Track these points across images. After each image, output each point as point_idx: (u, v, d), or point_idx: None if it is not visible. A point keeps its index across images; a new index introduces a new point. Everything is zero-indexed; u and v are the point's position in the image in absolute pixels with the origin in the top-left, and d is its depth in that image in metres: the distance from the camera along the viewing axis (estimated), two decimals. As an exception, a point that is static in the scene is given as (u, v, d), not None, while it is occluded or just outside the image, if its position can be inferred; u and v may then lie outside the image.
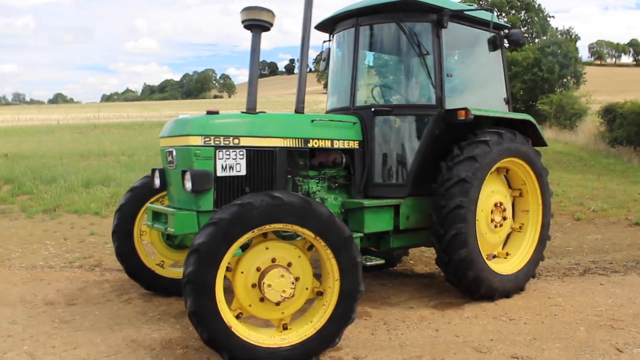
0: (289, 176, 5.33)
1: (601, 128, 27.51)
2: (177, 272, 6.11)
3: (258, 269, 4.23)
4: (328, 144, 5.57)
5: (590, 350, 4.71)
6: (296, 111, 5.51)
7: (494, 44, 6.58)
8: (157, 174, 5.34)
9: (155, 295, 6.04)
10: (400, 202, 5.79)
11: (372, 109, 5.84)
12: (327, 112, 6.49)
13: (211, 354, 4.43)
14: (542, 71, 37.05)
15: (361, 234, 5.46)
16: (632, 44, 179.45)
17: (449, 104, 5.90)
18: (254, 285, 4.23)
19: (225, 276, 4.19)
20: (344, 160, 5.75)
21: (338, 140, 5.65)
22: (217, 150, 4.81)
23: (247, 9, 5.01)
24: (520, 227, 6.56)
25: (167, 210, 4.86)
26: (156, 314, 5.47)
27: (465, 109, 5.66)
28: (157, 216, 5.16)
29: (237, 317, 4.28)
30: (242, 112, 5.15)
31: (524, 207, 6.59)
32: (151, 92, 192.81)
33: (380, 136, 5.91)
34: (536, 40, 48.03)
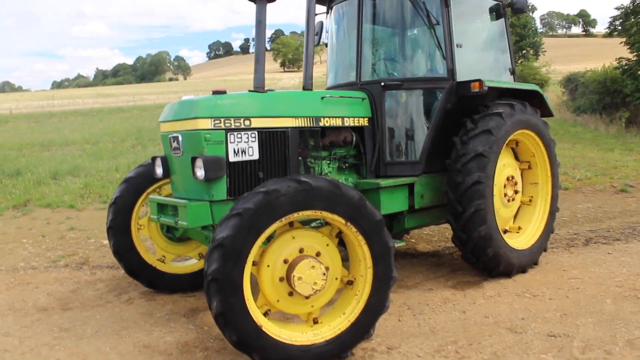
0: (300, 158, 4.99)
1: (564, 97, 27.95)
2: (179, 268, 5.71)
3: (285, 261, 3.91)
4: (339, 122, 5.24)
5: (624, 324, 4.58)
6: (304, 88, 5.15)
7: (497, 13, 6.32)
8: (158, 162, 4.92)
9: (157, 293, 5.63)
10: (414, 180, 5.52)
11: (382, 84, 5.52)
12: (329, 89, 6.14)
13: (235, 354, 4.10)
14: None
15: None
16: (581, 14, 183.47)
17: (458, 77, 5.63)
18: (281, 279, 3.90)
19: None
20: (354, 138, 5.44)
21: (348, 117, 5.33)
22: (229, 134, 4.42)
23: None
24: (530, 200, 6.40)
25: (177, 202, 4.46)
26: (164, 314, 5.08)
27: (479, 80, 5.40)
28: (162, 208, 4.75)
29: (265, 314, 3.96)
30: (250, 91, 4.77)
31: (532, 180, 6.43)
32: (104, 77, 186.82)
33: (390, 112, 5.62)
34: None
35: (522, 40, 38.64)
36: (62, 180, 12.24)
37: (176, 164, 4.69)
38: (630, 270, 5.99)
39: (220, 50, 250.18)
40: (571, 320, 4.69)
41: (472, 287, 5.57)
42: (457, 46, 5.66)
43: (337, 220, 3.93)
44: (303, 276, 3.85)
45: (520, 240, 6.09)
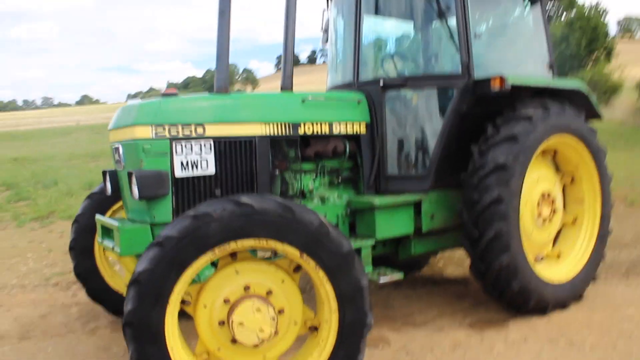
0: (277, 171, 4.19)
1: (639, 103, 25.69)
2: (151, 294, 5.03)
3: (226, 301, 3.12)
4: (325, 129, 4.40)
5: (687, 390, 3.48)
6: (282, 88, 4.37)
7: (532, -3, 5.30)
8: (107, 177, 4.27)
9: (126, 322, 4.97)
10: (421, 197, 4.59)
11: (381, 83, 4.65)
12: (329, 91, 5.32)
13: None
14: (571, 47, 35.18)
15: (372, 242, 4.29)
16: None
17: (479, 74, 4.66)
18: (222, 323, 3.12)
19: (185, 311, 3.12)
20: (347, 148, 4.58)
21: (339, 122, 4.48)
22: (174, 143, 3.69)
23: None
24: (573, 221, 5.30)
25: (112, 224, 3.77)
26: (122, 349, 4.39)
27: (500, 76, 4.41)
28: (107, 231, 4.08)
29: (205, 365, 3.19)
30: (211, 93, 4.03)
31: (577, 196, 5.32)
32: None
33: (392, 116, 4.73)
34: (563, 15, 45.80)
35: (593, 44, 36.40)
36: (93, 191, 11.99)
37: (122, 180, 4.02)
38: (702, 309, 4.79)
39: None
40: (615, 382, 3.63)
41: (493, 328, 4.56)
42: (475, 36, 4.70)
43: (290, 251, 3.11)
44: (245, 321, 3.05)
45: (560, 269, 5.01)
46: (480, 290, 5.50)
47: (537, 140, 4.58)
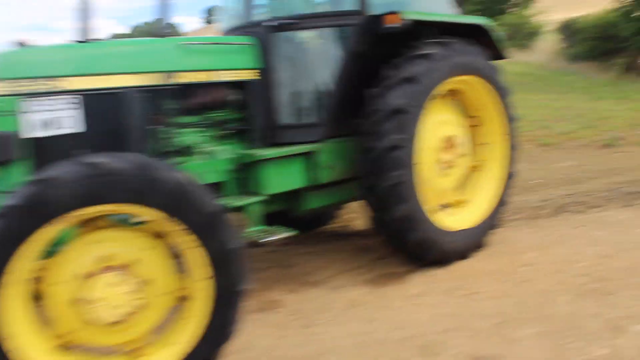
0: (154, 127, 3.77)
1: (561, 45, 26.28)
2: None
3: (82, 276, 2.74)
4: (208, 77, 3.98)
5: (578, 334, 3.42)
6: (157, 35, 3.90)
7: None
8: None
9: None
10: (315, 148, 4.29)
11: (273, 24, 4.25)
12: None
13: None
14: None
15: (261, 198, 3.99)
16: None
17: (379, 11, 4.31)
18: (77, 301, 2.74)
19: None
20: (235, 97, 4.19)
21: (223, 70, 4.05)
22: (25, 100, 3.20)
23: None
24: (479, 166, 5.16)
25: None
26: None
27: (395, 12, 4.10)
28: None
29: (67, 347, 2.83)
30: (72, 42, 3.53)
31: (483, 140, 5.17)
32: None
33: (285, 60, 4.34)
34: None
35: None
36: None
37: None
38: (601, 249, 4.77)
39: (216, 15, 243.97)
40: (509, 331, 3.51)
41: (393, 283, 4.39)
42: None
43: (152, 215, 2.75)
44: (104, 297, 2.70)
45: (462, 217, 4.86)
46: (383, 243, 5.36)
47: (437, 80, 4.32)
